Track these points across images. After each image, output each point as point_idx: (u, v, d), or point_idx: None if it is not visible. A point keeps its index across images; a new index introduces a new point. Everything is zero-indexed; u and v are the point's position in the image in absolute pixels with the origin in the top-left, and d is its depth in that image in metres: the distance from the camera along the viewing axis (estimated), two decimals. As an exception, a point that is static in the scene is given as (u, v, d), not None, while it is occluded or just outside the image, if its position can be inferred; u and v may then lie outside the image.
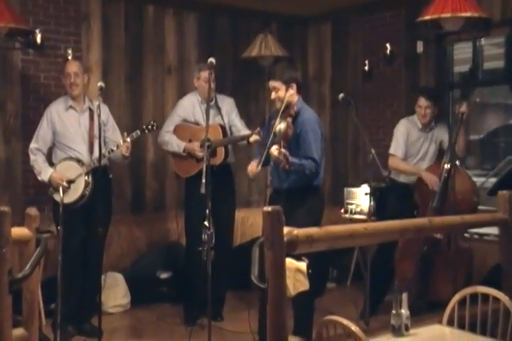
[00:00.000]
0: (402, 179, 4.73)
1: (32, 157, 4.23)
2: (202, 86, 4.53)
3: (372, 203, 4.27)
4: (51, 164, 4.24)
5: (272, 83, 3.80)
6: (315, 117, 3.89)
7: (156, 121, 4.34)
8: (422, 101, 4.61)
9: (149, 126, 4.21)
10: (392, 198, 4.79)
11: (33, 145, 4.25)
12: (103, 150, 3.94)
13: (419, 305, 4.06)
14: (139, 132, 4.18)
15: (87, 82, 4.41)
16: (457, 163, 4.40)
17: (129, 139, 4.13)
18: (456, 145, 4.40)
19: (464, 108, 4.33)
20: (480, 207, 4.53)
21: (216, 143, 4.26)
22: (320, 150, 3.78)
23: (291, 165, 3.54)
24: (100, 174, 3.97)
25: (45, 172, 4.16)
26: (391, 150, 4.71)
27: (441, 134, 4.66)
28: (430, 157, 4.69)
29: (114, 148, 4.13)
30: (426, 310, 3.97)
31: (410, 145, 4.69)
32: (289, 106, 3.74)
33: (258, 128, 4.23)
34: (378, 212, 4.83)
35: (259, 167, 3.73)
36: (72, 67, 4.24)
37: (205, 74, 4.48)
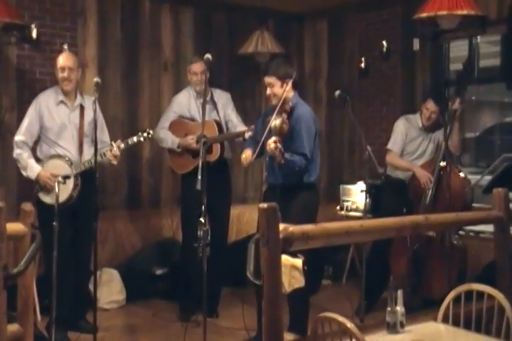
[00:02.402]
0: (398, 175, 4.74)
1: (17, 150, 4.08)
2: (192, 79, 4.57)
3: (368, 200, 4.28)
4: (36, 159, 4.10)
5: (267, 79, 3.80)
6: (310, 113, 3.89)
7: (153, 120, 4.29)
8: (431, 105, 4.61)
9: (145, 134, 4.07)
10: (386, 194, 4.81)
11: (18, 137, 4.09)
12: (98, 149, 3.76)
13: (414, 302, 4.07)
14: (134, 139, 4.06)
15: (80, 77, 4.29)
16: (444, 161, 4.43)
17: (122, 145, 4.02)
18: (451, 142, 4.43)
19: (457, 105, 4.36)
20: (475, 205, 4.55)
21: (212, 139, 4.26)
22: (312, 147, 3.79)
23: (285, 160, 3.55)
24: (89, 175, 3.83)
25: (31, 169, 4.02)
26: (388, 146, 4.74)
27: (440, 135, 4.69)
28: (427, 156, 4.71)
29: (107, 152, 4.01)
30: (420, 307, 3.99)
31: (408, 142, 4.71)
32: (284, 101, 3.74)
33: (253, 126, 4.23)
34: (374, 209, 4.84)
35: (254, 157, 3.74)
36: (67, 62, 4.09)
37: (194, 66, 4.52)
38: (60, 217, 3.82)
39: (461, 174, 4.47)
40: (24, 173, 4.09)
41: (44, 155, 4.12)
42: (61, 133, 4.12)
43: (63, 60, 4.11)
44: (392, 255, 4.53)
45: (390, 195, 4.72)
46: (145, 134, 4.09)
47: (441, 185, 4.35)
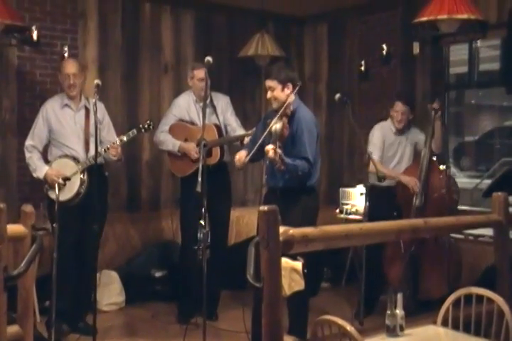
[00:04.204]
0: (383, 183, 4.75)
1: (27, 154, 4.22)
2: (196, 85, 4.57)
3: (367, 203, 4.28)
4: (47, 161, 4.23)
5: (268, 82, 3.80)
6: (311, 117, 3.89)
7: (153, 120, 4.33)
8: (399, 106, 4.67)
9: (146, 126, 4.18)
10: (373, 203, 4.80)
11: (28, 142, 4.23)
12: (99, 149, 3.90)
13: (411, 305, 4.08)
14: (135, 131, 4.17)
15: (84, 80, 4.37)
16: (434, 158, 4.56)
17: (125, 138, 4.13)
18: (433, 141, 4.52)
19: (436, 104, 4.47)
20: (474, 209, 4.58)
21: (211, 143, 4.27)
22: (314, 151, 3.79)
23: (285, 165, 3.54)
24: (96, 172, 3.96)
25: (40, 170, 4.14)
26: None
27: (416, 136, 4.77)
28: (407, 159, 4.77)
29: (109, 147, 4.11)
30: (418, 309, 3.99)
31: (386, 149, 4.76)
32: (285, 106, 3.74)
33: (254, 129, 4.23)
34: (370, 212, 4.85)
35: (247, 158, 3.73)
36: (71, 68, 4.19)
37: (198, 73, 4.51)
38: (69, 215, 3.91)
39: (442, 169, 4.54)
40: (34, 175, 4.19)
41: (53, 157, 4.23)
42: (68, 134, 4.22)
43: (68, 67, 4.22)
44: (386, 259, 4.55)
45: (377, 203, 4.71)
46: (146, 126, 4.17)
47: (428, 187, 4.45)
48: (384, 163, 4.71)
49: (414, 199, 4.48)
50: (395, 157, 4.76)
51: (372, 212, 4.16)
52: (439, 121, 4.54)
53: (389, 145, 4.76)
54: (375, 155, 4.65)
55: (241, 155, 3.83)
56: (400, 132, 4.76)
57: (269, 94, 3.81)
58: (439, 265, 4.36)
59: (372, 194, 4.30)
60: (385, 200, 4.62)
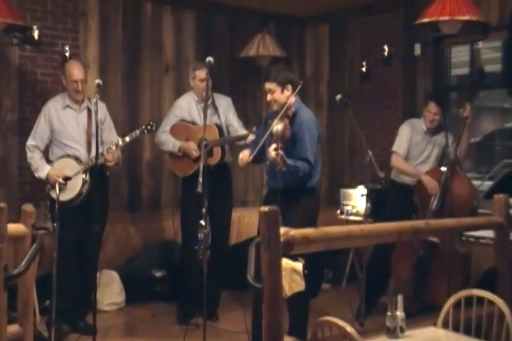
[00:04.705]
0: (404, 180, 4.73)
1: (29, 154, 4.20)
2: (197, 85, 4.57)
3: (368, 204, 4.28)
4: (48, 161, 4.22)
5: (267, 85, 3.78)
6: (313, 118, 3.88)
7: (154, 120, 4.33)
8: (433, 107, 4.60)
9: (148, 127, 4.17)
10: (392, 199, 4.79)
11: (30, 142, 4.22)
12: (100, 149, 3.88)
13: (415, 307, 4.06)
14: (138, 132, 4.16)
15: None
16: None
17: (127, 139, 4.12)
18: (459, 148, 4.42)
19: (467, 112, 4.35)
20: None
21: (212, 143, 4.27)
22: (315, 152, 3.78)
23: (287, 166, 3.54)
24: (97, 172, 3.95)
25: (42, 170, 4.13)
26: (394, 148, 4.71)
27: (446, 140, 4.67)
28: (432, 161, 4.70)
29: (112, 147, 4.09)
30: (420, 312, 3.98)
31: (413, 146, 4.69)
32: (286, 107, 3.73)
33: (254, 128, 4.23)
34: (375, 213, 4.83)
35: (250, 158, 3.72)
36: (79, 74, 4.14)
37: (200, 73, 4.51)
38: (70, 215, 3.91)
39: (468, 180, 4.46)
40: (36, 175, 4.19)
41: (55, 157, 4.22)
42: (70, 134, 4.21)
43: (75, 73, 4.16)
44: (395, 260, 4.51)
45: (395, 199, 4.70)
46: (148, 127, 4.17)
47: (449, 192, 4.30)
48: (409, 160, 4.67)
49: (431, 201, 4.41)
50: (420, 156, 4.70)
51: (387, 209, 4.09)
52: (468, 129, 4.44)
53: (416, 144, 4.69)
54: (401, 150, 4.64)
55: (244, 155, 3.83)
56: (431, 132, 4.69)
57: (268, 97, 3.79)
58: (446, 272, 4.28)
59: (390, 190, 4.22)
60: (401, 199, 4.60)
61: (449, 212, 4.21)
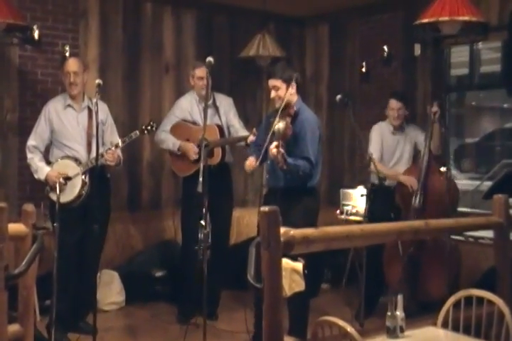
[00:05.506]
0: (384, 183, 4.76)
1: (29, 155, 4.19)
2: (197, 84, 4.58)
3: (368, 205, 4.29)
4: (48, 162, 4.20)
5: (273, 82, 3.79)
6: (314, 118, 3.89)
7: (154, 120, 4.32)
8: (394, 103, 4.72)
9: (148, 127, 4.17)
10: (371, 201, 4.81)
11: (30, 142, 4.20)
12: (101, 150, 3.87)
13: (411, 306, 4.08)
14: (137, 133, 4.14)
15: (86, 81, 4.35)
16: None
17: (127, 140, 4.11)
18: (432, 143, 4.53)
19: (435, 108, 4.48)
20: (475, 210, 4.58)
21: (213, 143, 4.27)
22: (316, 151, 3.79)
23: (287, 165, 3.54)
24: (98, 173, 3.90)
25: (41, 171, 4.11)
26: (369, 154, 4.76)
27: (415, 135, 4.79)
28: (406, 159, 4.80)
29: (112, 147, 4.08)
30: (417, 311, 3.99)
31: (385, 149, 4.79)
32: (288, 105, 3.73)
33: (254, 129, 4.23)
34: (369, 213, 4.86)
35: (257, 163, 3.73)
36: (72, 66, 4.16)
37: (198, 71, 4.52)
38: (70, 216, 3.89)
39: (442, 171, 4.54)
40: (36, 176, 4.17)
41: (55, 158, 4.21)
42: (70, 135, 4.20)
43: (68, 65, 4.20)
44: (385, 261, 4.56)
45: (375, 202, 4.72)
46: (149, 127, 4.16)
47: (428, 188, 4.48)
48: (383, 163, 4.73)
49: (413, 199, 4.50)
50: (393, 156, 4.80)
51: (372, 212, 4.19)
52: (438, 124, 4.55)
53: (387, 145, 4.79)
54: (375, 155, 4.68)
55: (251, 161, 3.82)
56: (398, 130, 4.78)
57: (273, 94, 3.79)
58: (438, 266, 4.37)
59: (372, 193, 4.32)
60: (383, 200, 4.63)
61: (431, 207, 4.36)
